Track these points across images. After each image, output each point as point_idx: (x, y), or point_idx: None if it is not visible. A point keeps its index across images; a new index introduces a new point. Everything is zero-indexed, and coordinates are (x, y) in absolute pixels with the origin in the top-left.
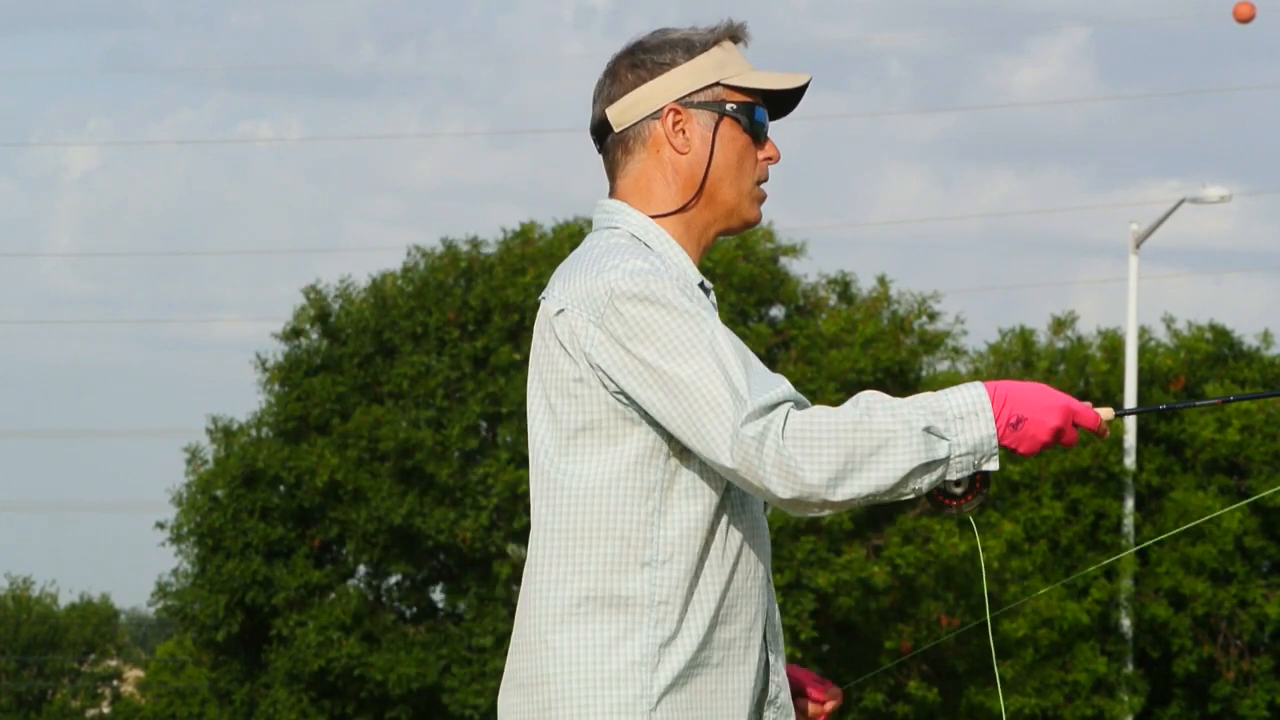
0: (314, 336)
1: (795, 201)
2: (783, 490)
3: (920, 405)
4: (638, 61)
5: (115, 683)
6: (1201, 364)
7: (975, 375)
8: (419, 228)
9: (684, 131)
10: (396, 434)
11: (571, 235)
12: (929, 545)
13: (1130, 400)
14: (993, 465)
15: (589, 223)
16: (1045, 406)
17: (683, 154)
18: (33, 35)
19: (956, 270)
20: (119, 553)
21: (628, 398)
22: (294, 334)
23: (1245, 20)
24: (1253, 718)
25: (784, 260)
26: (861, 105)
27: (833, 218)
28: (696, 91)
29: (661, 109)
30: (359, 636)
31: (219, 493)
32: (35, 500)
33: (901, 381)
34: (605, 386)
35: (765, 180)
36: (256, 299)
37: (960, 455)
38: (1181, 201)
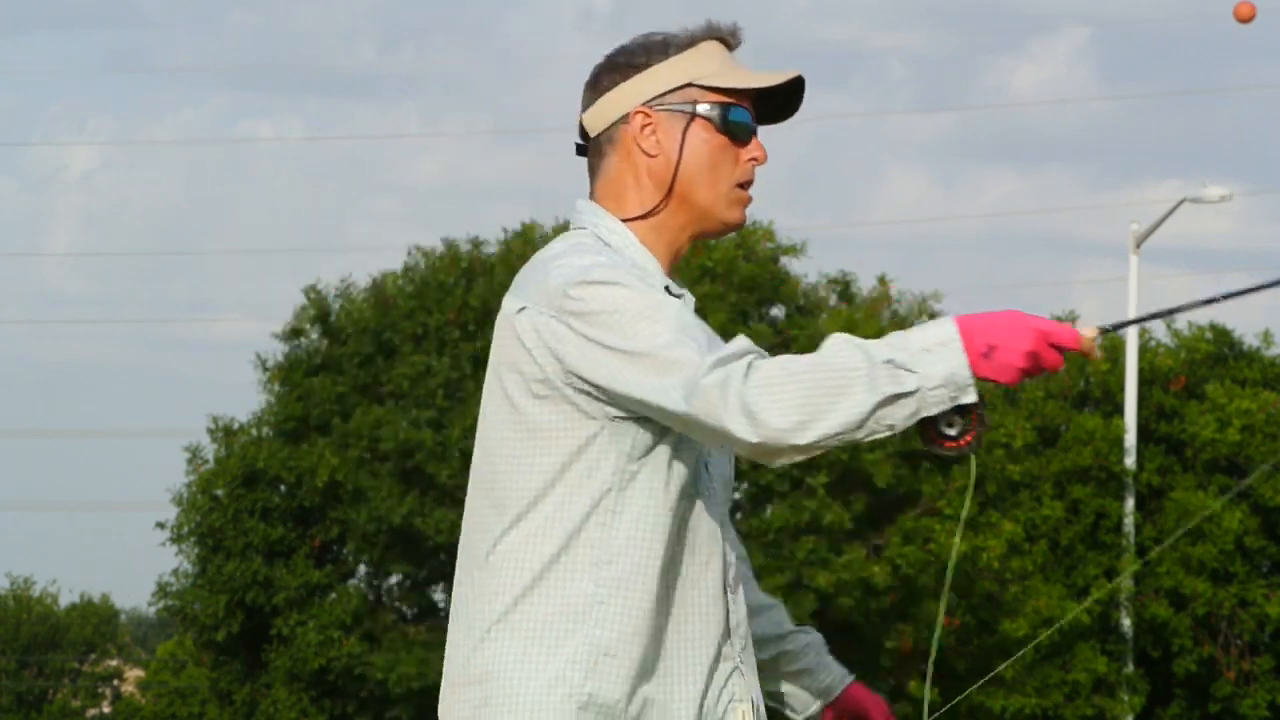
0: (314, 336)
1: (795, 201)
2: (749, 434)
3: (886, 341)
4: (614, 65)
5: (115, 682)
6: (1202, 364)
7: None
8: (419, 228)
9: (654, 134)
10: (397, 434)
11: None
12: (929, 545)
13: (1130, 400)
14: (969, 397)
15: None
16: (1016, 331)
17: (652, 156)
18: (33, 35)
19: (956, 270)
20: (119, 553)
21: (589, 390)
22: (294, 334)
23: (1245, 20)
24: (1253, 717)
25: (784, 260)
26: (861, 105)
27: (833, 218)
28: (668, 93)
29: (630, 112)
30: (359, 636)
31: (219, 492)
32: (35, 500)
33: None
34: (566, 383)
35: (749, 181)
36: (256, 299)
37: (932, 388)
38: (1181, 201)
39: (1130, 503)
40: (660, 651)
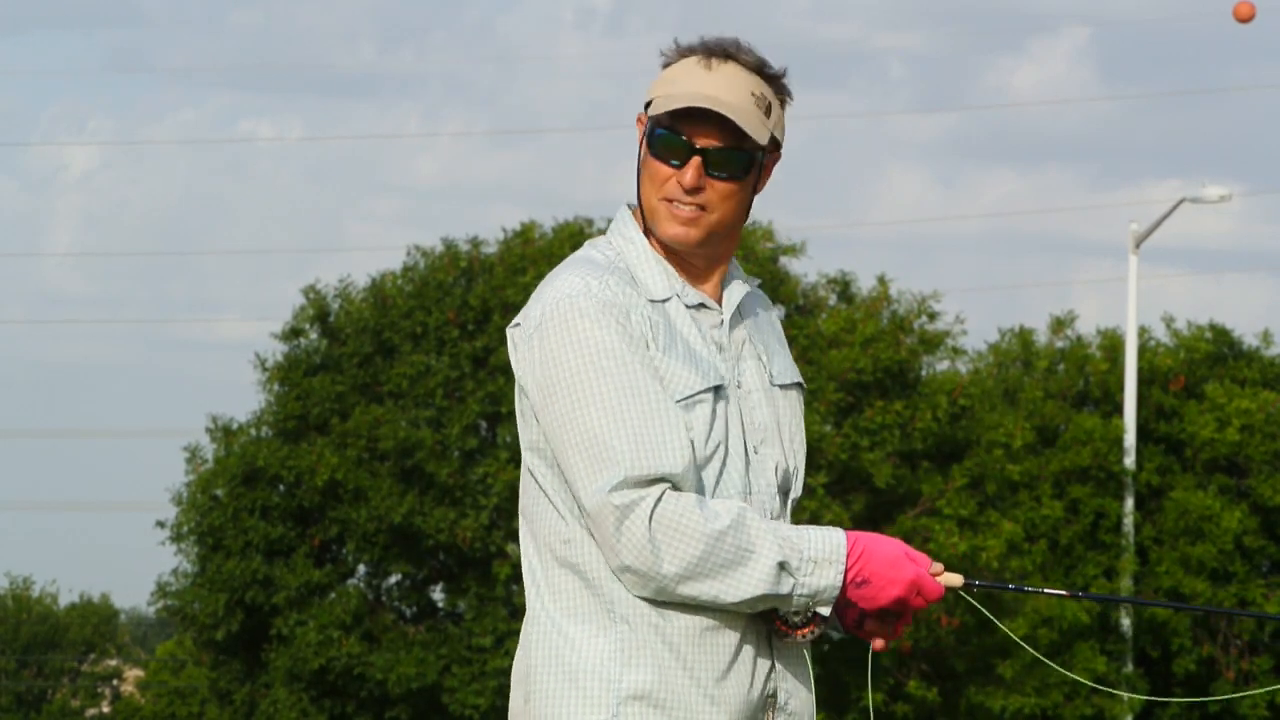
0: (313, 336)
1: (795, 201)
2: (632, 562)
3: (783, 538)
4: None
5: (115, 682)
6: (1201, 363)
7: (975, 375)
8: (419, 228)
9: (641, 146)
10: (396, 433)
11: (571, 235)
12: (929, 545)
13: (1130, 400)
14: (824, 612)
15: (589, 222)
16: (891, 578)
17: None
18: (34, 35)
19: (956, 270)
20: (119, 552)
21: None
22: (294, 334)
23: (1245, 20)
24: (1253, 717)
25: (784, 260)
26: (861, 105)
27: (833, 218)
28: (645, 108)
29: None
30: (359, 636)
31: (219, 492)
32: (35, 500)
33: (902, 381)
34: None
35: (674, 199)
36: (256, 299)
37: (801, 595)
38: (1181, 201)
39: (1129, 502)
40: (694, 647)
